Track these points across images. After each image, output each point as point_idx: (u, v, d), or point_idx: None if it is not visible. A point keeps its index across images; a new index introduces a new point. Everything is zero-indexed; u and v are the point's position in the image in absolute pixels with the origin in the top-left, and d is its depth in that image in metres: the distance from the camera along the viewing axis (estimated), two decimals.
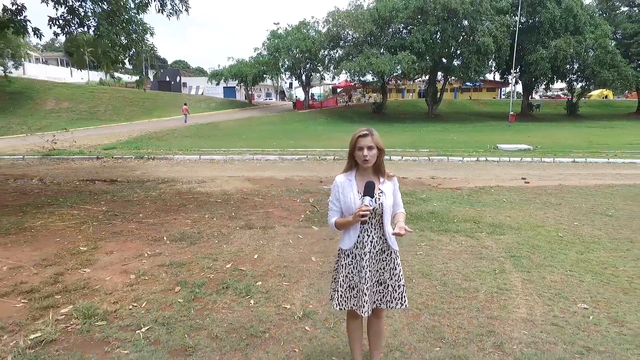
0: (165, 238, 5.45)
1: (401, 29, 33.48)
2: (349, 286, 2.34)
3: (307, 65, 39.26)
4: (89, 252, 4.93)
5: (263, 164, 13.21)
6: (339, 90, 52.91)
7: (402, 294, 2.37)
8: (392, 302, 2.36)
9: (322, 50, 37.39)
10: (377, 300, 2.37)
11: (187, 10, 9.08)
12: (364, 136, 2.23)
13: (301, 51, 36.25)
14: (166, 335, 3.06)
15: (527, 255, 4.71)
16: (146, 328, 3.16)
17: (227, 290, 3.86)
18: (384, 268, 2.34)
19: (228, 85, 50.49)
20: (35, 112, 32.69)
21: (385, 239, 2.32)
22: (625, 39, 36.68)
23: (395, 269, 2.35)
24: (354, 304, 2.34)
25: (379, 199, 2.25)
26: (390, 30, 33.11)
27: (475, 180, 9.78)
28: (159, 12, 8.96)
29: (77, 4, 8.97)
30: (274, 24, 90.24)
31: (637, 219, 6.19)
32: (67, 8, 8.81)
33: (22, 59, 43.14)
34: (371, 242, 2.30)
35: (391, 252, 2.34)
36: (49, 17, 8.67)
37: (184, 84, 61.95)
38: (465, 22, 30.59)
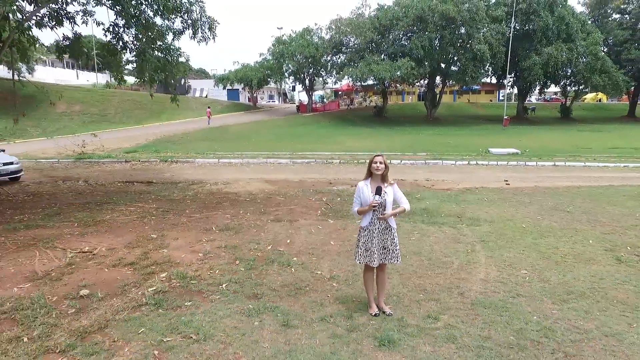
0: (214, 228, 6.96)
1: (401, 36, 34.95)
2: (365, 249, 3.85)
3: (311, 70, 40.78)
4: (159, 239, 6.44)
5: (276, 167, 14.72)
6: (340, 93, 54.36)
7: (397, 254, 3.88)
8: (391, 260, 3.87)
9: (325, 56, 38.90)
10: (382, 258, 3.87)
11: (214, 38, 10.57)
12: (378, 155, 3.77)
13: (305, 57, 37.76)
14: (240, 288, 4.57)
15: (494, 241, 6.22)
16: (225, 284, 4.68)
17: (273, 263, 5.37)
18: (386, 239, 3.85)
19: (232, 88, 51.98)
20: (48, 115, 34.09)
21: (387, 221, 3.83)
22: (616, 45, 38.21)
23: (394, 240, 3.86)
24: (368, 260, 3.84)
25: (384, 197, 3.76)
26: (391, 37, 34.59)
27: (464, 182, 11.29)
28: (191, 39, 10.47)
29: (121, 30, 10.48)
30: (278, 28, 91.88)
31: (587, 214, 7.70)
32: (113, 35, 10.34)
33: (35, 63, 44.59)
34: (378, 222, 3.81)
35: (391, 229, 3.85)
36: (100, 43, 10.18)
37: (189, 87, 63.40)
38: (463, 30, 32.09)
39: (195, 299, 4.31)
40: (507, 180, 11.21)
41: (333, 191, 10.00)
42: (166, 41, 10.37)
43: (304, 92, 44.33)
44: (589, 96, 47.78)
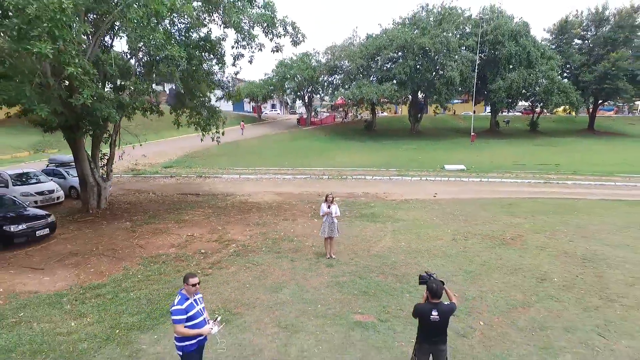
0: (250, 224, 12.58)
1: (387, 62, 40.56)
2: (323, 230, 9.44)
3: (309, 88, 46.42)
4: (223, 229, 12.05)
5: (282, 182, 20.34)
6: (334, 105, 59.92)
7: (336, 232, 9.48)
8: (333, 234, 9.47)
9: (322, 76, 44.56)
10: (330, 234, 9.47)
11: (250, 61, 15.70)
12: (329, 195, 9.40)
13: (304, 78, 43.43)
14: (270, 250, 10.18)
15: (400, 230, 11.81)
16: (263, 248, 10.29)
17: (284, 240, 10.98)
18: (332, 225, 9.44)
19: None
20: None
21: (332, 217, 9.45)
22: (575, 69, 43.81)
23: (335, 226, 9.46)
24: (324, 235, 9.46)
25: (330, 208, 9.36)
26: (379, 62, 40.18)
27: (408, 194, 16.88)
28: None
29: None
30: (281, 45, 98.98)
31: (465, 216, 13.28)
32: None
33: None
34: (328, 219, 9.43)
35: (334, 221, 9.45)
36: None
37: None
38: (437, 59, 37.71)
39: (251, 254, 9.94)
40: (436, 194, 16.81)
41: (319, 201, 15.57)
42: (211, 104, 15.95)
43: (304, 107, 49.96)
44: (561, 108, 53.20)
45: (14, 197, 12.42)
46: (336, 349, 5.84)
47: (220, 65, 15.26)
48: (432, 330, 4.47)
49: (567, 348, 5.85)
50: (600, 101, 46.21)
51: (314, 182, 20.07)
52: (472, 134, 37.60)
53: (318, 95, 48.41)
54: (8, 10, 9.01)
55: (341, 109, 54.14)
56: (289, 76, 43.73)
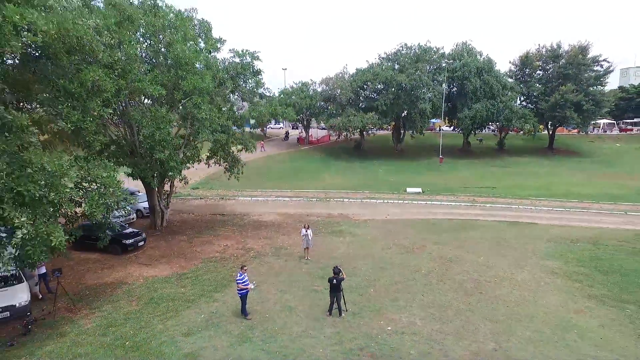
0: (262, 238, 20.17)
1: (372, 93, 48.07)
2: (303, 243, 16.97)
3: (307, 113, 53.96)
4: (244, 241, 19.65)
5: (283, 203, 27.88)
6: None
7: (311, 244, 17.01)
8: (309, 245, 16.99)
9: (319, 103, 52.12)
10: (306, 245, 16.98)
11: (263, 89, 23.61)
12: (305, 227, 17.00)
13: (303, 105, 51.01)
14: (274, 254, 17.77)
15: (353, 243, 19.30)
16: (270, 253, 17.87)
17: (282, 248, 18.54)
18: (308, 240, 16.96)
19: None
20: None
21: (307, 236, 16.96)
22: (535, 97, 51.09)
23: (310, 241, 16.96)
24: (304, 246, 16.99)
25: (307, 232, 16.87)
26: (365, 94, 47.70)
27: (369, 215, 24.33)
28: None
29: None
30: (282, 69, 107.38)
31: (397, 232, 20.73)
32: None
33: None
34: (305, 237, 16.95)
35: (309, 237, 16.96)
36: None
37: None
38: (413, 92, 45.19)
39: (263, 257, 17.52)
40: (387, 215, 24.28)
41: (307, 220, 23.16)
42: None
43: (303, 129, 57.53)
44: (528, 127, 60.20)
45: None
46: (301, 299, 13.36)
47: (242, 128, 23.26)
48: (332, 287, 12.03)
49: (408, 301, 13.36)
50: (557, 125, 53.46)
51: (305, 204, 27.59)
52: (440, 156, 45.01)
53: (314, 119, 55.87)
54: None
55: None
56: (289, 102, 51.27)
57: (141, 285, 14.61)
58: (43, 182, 9.88)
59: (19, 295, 12.17)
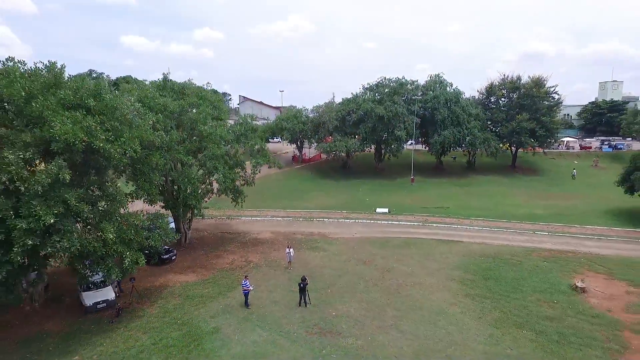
0: (259, 252, 27.87)
1: (356, 121, 55.79)
2: (287, 257, 24.65)
3: (301, 135, 61.69)
4: (246, 255, 27.37)
5: (276, 222, 35.54)
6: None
7: (292, 259, 24.68)
8: (291, 259, 24.67)
9: (310, 127, 59.88)
10: (289, 259, 24.64)
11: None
12: (289, 247, 24.74)
13: (297, 129, 58.76)
14: (267, 264, 25.49)
15: (325, 256, 26.95)
16: (264, 264, 25.58)
17: (273, 261, 26.23)
18: (291, 255, 24.64)
19: None
20: None
21: (292, 255, 24.64)
22: (497, 122, 58.75)
23: (292, 256, 24.63)
24: (287, 260, 24.67)
25: (290, 250, 24.53)
26: (350, 122, 55.45)
27: (341, 234, 31.96)
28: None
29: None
30: (280, 91, 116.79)
31: (360, 248, 28.33)
32: None
33: None
34: (288, 255, 24.62)
35: (291, 254, 24.63)
36: None
37: None
38: (390, 122, 52.88)
39: (259, 267, 25.22)
40: (356, 233, 31.93)
41: (294, 238, 30.83)
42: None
43: (297, 149, 65.35)
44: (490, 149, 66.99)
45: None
46: (283, 296, 21.03)
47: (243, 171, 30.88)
48: (300, 289, 19.78)
49: (350, 298, 21.02)
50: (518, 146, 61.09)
51: (294, 223, 35.22)
52: (412, 177, 52.70)
53: (307, 141, 63.66)
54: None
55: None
56: (284, 126, 59.10)
57: (179, 287, 22.30)
58: (132, 231, 17.63)
59: (110, 293, 19.92)
